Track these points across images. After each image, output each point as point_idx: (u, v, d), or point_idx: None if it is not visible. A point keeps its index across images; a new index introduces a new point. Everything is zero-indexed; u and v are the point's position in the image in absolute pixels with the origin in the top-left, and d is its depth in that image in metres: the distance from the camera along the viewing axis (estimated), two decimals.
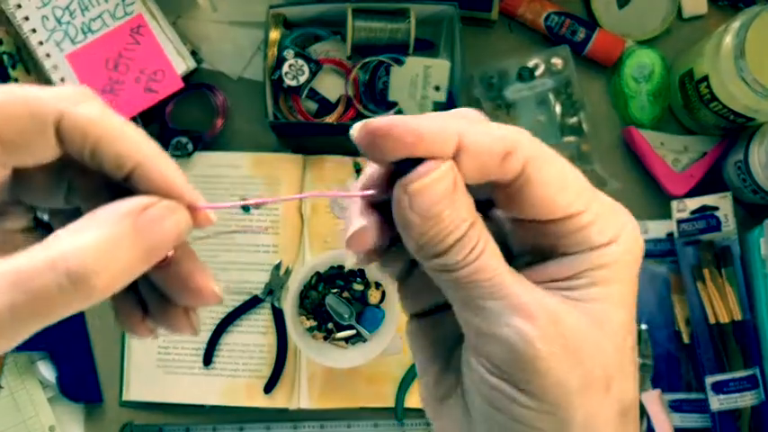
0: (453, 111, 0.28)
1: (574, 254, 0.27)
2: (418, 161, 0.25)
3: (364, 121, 0.25)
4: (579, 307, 0.26)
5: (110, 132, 0.25)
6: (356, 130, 0.25)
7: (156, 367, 0.81)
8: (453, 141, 0.24)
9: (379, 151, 0.24)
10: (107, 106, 0.25)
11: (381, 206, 0.27)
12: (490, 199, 0.27)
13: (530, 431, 0.25)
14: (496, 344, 0.25)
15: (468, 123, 0.25)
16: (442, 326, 0.30)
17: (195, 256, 0.27)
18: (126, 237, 0.23)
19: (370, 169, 0.27)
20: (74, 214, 0.25)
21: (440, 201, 0.24)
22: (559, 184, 0.26)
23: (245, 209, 0.83)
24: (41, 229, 0.29)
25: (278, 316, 0.81)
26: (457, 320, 0.27)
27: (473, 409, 0.27)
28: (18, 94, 0.24)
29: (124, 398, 0.81)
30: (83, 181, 0.26)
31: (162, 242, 0.24)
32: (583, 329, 0.25)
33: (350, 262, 0.27)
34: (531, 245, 0.28)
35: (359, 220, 0.26)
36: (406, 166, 0.25)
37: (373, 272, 0.80)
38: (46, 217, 0.29)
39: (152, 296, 0.27)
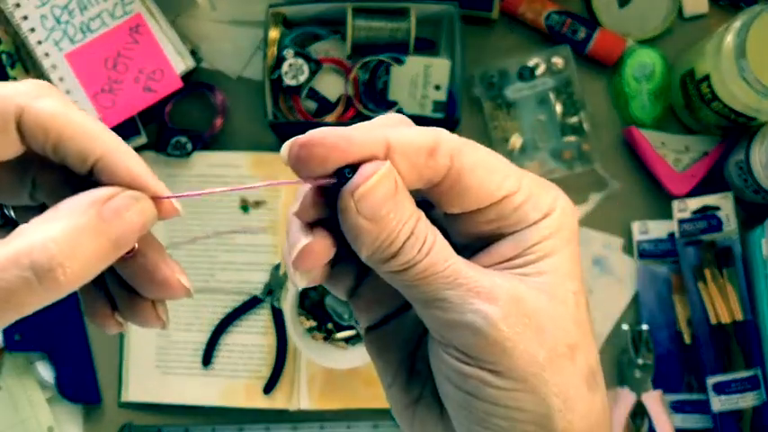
0: (376, 119, 0.28)
1: (515, 233, 0.27)
2: (352, 171, 0.25)
3: (291, 140, 0.25)
4: (531, 283, 0.26)
5: (71, 126, 0.24)
6: (287, 150, 0.25)
7: (155, 368, 0.81)
8: (383, 143, 0.25)
9: (315, 163, 0.25)
10: (68, 100, 0.25)
11: (320, 225, 0.27)
12: (425, 200, 0.28)
13: (509, 412, 0.25)
14: (462, 331, 0.25)
15: (392, 127, 0.27)
16: (400, 332, 0.30)
17: (161, 248, 0.27)
18: (91, 227, 0.23)
19: (302, 191, 0.27)
20: (40, 211, 0.25)
21: (386, 201, 0.25)
22: (487, 169, 0.26)
23: (245, 209, 0.83)
24: (9, 227, 0.28)
25: (278, 316, 0.81)
26: (413, 323, 0.28)
27: (448, 403, 0.27)
28: None
29: (123, 398, 0.81)
30: (47, 177, 0.26)
31: (127, 232, 0.24)
32: (541, 304, 0.26)
33: (300, 283, 0.26)
34: (474, 235, 0.28)
35: (304, 238, 0.26)
36: (340, 178, 0.25)
37: None
38: (12, 213, 0.29)
39: (119, 290, 0.27)
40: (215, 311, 0.82)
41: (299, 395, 0.80)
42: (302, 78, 0.78)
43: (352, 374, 0.80)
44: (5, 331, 0.78)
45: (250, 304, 0.82)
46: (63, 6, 0.79)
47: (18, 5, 0.78)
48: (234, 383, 0.81)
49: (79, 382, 0.80)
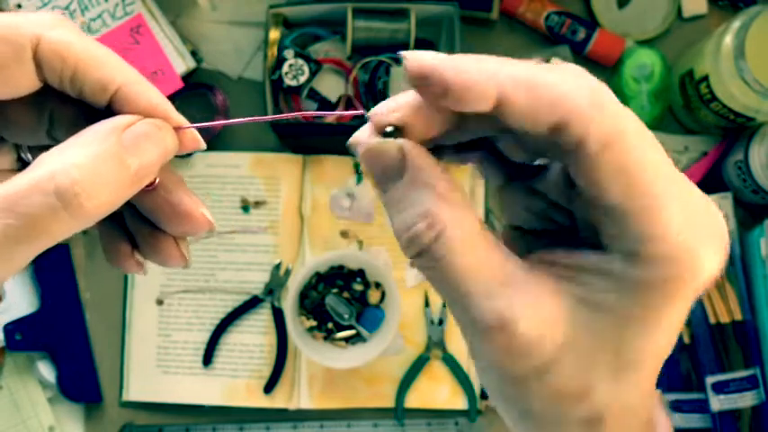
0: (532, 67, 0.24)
1: (607, 251, 0.23)
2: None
3: (414, 54, 0.23)
4: (576, 310, 0.23)
5: (89, 55, 0.24)
6: (406, 59, 0.23)
7: (156, 367, 0.81)
8: (486, 103, 0.22)
9: (418, 84, 0.23)
10: (81, 31, 0.24)
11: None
12: None
13: None
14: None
15: (524, 73, 0.22)
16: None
17: (183, 182, 0.26)
18: (112, 154, 0.22)
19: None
20: None
21: (381, 181, 0.23)
22: (621, 177, 0.22)
23: (245, 209, 0.83)
24: None
25: (278, 316, 0.81)
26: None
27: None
28: None
29: (124, 398, 0.81)
30: (64, 113, 0.26)
31: (148, 160, 0.23)
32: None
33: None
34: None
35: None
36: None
37: (373, 272, 0.80)
38: (30, 156, 0.28)
39: (140, 227, 0.26)
40: (215, 311, 0.82)
41: (300, 394, 0.81)
42: (302, 79, 0.78)
43: (352, 374, 0.80)
44: (7, 331, 0.78)
45: (250, 304, 0.82)
46: (64, 7, 0.79)
47: (19, 6, 0.78)
48: (234, 383, 0.81)
49: (80, 382, 0.81)
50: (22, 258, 0.22)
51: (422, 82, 0.22)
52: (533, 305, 0.23)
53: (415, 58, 0.22)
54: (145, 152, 0.23)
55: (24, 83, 0.24)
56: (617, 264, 0.23)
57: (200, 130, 0.27)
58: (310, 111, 0.81)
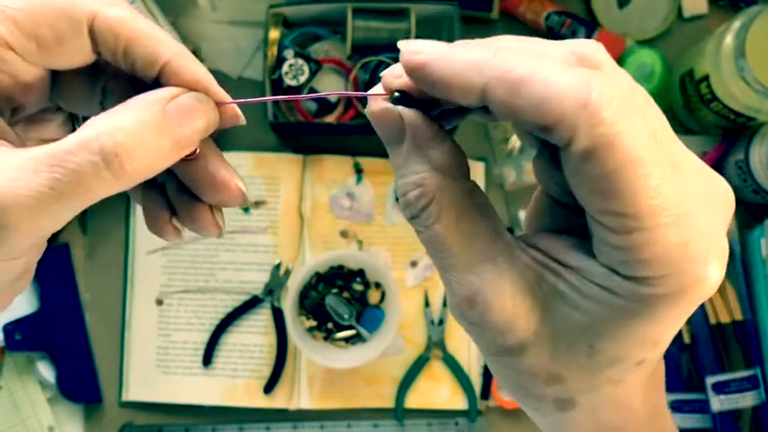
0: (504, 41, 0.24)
1: (597, 261, 0.23)
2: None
3: (410, 44, 0.24)
4: (553, 305, 0.24)
5: (140, 31, 0.25)
6: (403, 50, 0.24)
7: (156, 367, 0.81)
8: (472, 96, 0.22)
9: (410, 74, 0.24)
10: (133, 9, 0.26)
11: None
12: None
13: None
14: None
15: (512, 71, 0.21)
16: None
17: (221, 155, 0.28)
18: (155, 122, 0.24)
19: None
20: None
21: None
22: (602, 188, 0.21)
23: (245, 209, 0.83)
24: None
25: (278, 316, 0.81)
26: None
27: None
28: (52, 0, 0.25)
29: (123, 398, 0.81)
30: (116, 85, 0.27)
31: (189, 131, 0.25)
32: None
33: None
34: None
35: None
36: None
37: (373, 272, 0.80)
38: None
39: (180, 195, 0.28)
40: (215, 311, 0.82)
41: (300, 395, 0.80)
42: (302, 79, 0.78)
43: (352, 374, 0.80)
44: (6, 331, 0.78)
45: (250, 304, 0.82)
46: None
47: None
48: (234, 383, 0.81)
49: (80, 382, 0.80)
50: (65, 213, 0.23)
51: (413, 74, 0.23)
52: (510, 288, 0.24)
53: (408, 50, 0.23)
54: (186, 123, 0.25)
55: (80, 56, 0.26)
56: (600, 272, 0.23)
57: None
58: (310, 111, 0.81)
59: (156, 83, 0.26)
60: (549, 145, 0.25)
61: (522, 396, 0.26)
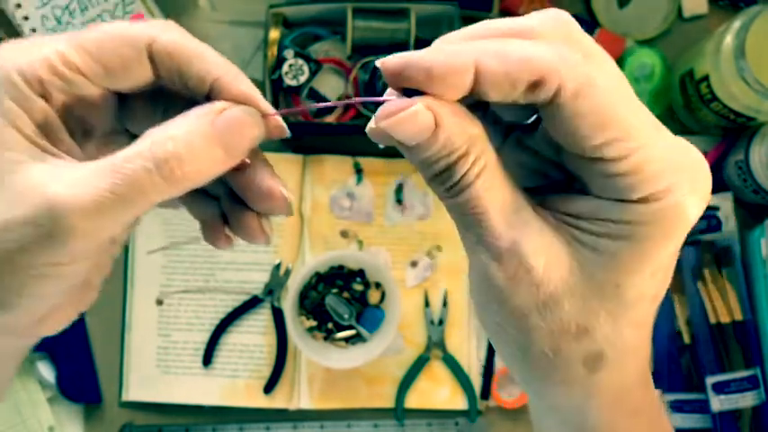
0: (481, 25, 0.26)
1: (598, 197, 0.25)
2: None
3: (386, 58, 0.25)
4: (577, 253, 0.26)
5: (192, 52, 0.28)
6: (380, 65, 0.26)
7: (156, 367, 0.81)
8: (468, 76, 0.24)
9: (399, 85, 0.25)
10: (187, 33, 0.29)
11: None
12: None
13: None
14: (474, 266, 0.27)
15: (493, 45, 0.24)
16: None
17: (270, 166, 0.30)
18: (204, 132, 0.26)
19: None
20: None
21: (415, 136, 0.25)
22: (599, 122, 0.24)
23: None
24: None
25: (278, 316, 0.81)
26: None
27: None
28: (116, 28, 0.28)
29: (123, 398, 0.81)
30: (175, 105, 0.30)
31: (236, 141, 0.27)
32: (555, 278, 0.26)
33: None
34: (571, 167, 0.27)
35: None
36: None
37: (373, 272, 0.80)
38: None
39: (231, 204, 0.30)
40: (215, 311, 0.82)
41: (300, 395, 0.80)
42: (302, 79, 0.78)
43: (352, 374, 0.80)
44: None
45: (250, 304, 0.82)
46: (64, 7, 0.79)
47: (19, 6, 0.78)
48: (234, 383, 0.81)
49: (80, 382, 0.80)
50: (122, 216, 0.25)
51: (402, 76, 0.25)
52: (542, 241, 0.26)
53: (388, 60, 0.25)
54: (233, 133, 0.27)
55: (142, 78, 0.28)
56: (608, 209, 0.25)
57: None
58: (311, 111, 0.81)
59: (208, 99, 0.28)
60: (516, 129, 0.29)
61: (548, 368, 0.27)
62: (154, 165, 0.25)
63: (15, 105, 0.26)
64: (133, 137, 0.28)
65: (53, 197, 0.24)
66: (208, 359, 0.81)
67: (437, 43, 0.26)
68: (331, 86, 0.81)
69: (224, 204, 0.31)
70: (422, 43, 0.81)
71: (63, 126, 0.28)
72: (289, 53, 0.78)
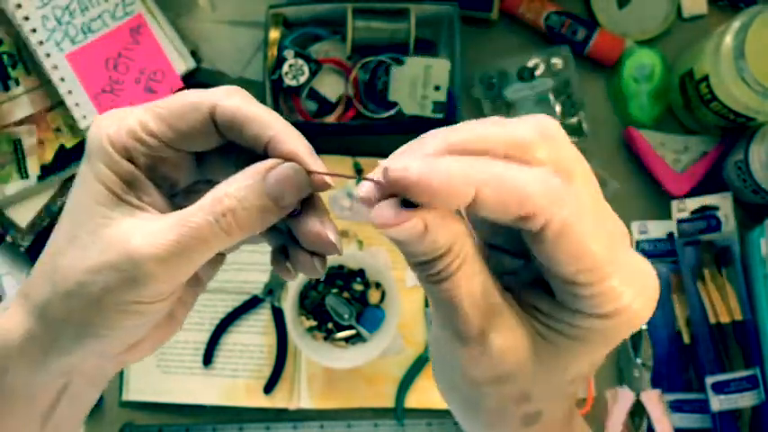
0: (479, 137, 0.28)
1: (561, 303, 0.29)
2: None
3: (384, 167, 0.27)
4: (533, 340, 0.29)
5: (250, 117, 0.32)
6: (377, 176, 0.28)
7: (156, 367, 0.81)
8: (467, 200, 0.26)
9: (400, 195, 0.27)
10: (248, 97, 0.33)
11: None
12: None
13: None
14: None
15: (493, 174, 0.26)
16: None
17: (324, 210, 0.33)
18: (255, 187, 0.30)
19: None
20: None
21: (405, 239, 0.27)
22: (573, 254, 0.27)
23: None
24: None
25: (278, 316, 0.81)
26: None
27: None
28: (185, 95, 0.32)
29: (124, 398, 0.81)
30: (243, 159, 0.33)
31: (284, 193, 0.31)
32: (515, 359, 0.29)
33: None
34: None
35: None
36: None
37: (373, 272, 0.80)
38: None
39: (291, 244, 0.34)
40: (215, 311, 0.82)
41: (300, 394, 0.81)
42: (302, 79, 0.78)
43: (352, 374, 0.80)
44: None
45: (250, 304, 0.82)
46: (64, 7, 0.79)
47: (19, 6, 0.78)
48: (234, 383, 0.81)
49: None
50: (191, 261, 0.30)
51: (407, 193, 0.26)
52: (507, 331, 0.29)
53: (393, 169, 0.26)
54: (282, 188, 0.31)
55: (209, 140, 0.32)
56: (569, 314, 0.29)
57: None
58: (310, 111, 0.81)
59: (266, 155, 0.32)
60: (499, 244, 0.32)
61: (492, 422, 0.31)
62: (213, 218, 0.29)
63: (105, 168, 0.31)
64: (215, 185, 0.32)
65: (133, 248, 0.29)
66: (208, 359, 0.81)
67: (439, 142, 0.27)
68: (331, 87, 0.82)
69: (286, 241, 0.34)
70: (422, 44, 0.81)
71: (149, 182, 0.32)
72: (289, 53, 0.78)
